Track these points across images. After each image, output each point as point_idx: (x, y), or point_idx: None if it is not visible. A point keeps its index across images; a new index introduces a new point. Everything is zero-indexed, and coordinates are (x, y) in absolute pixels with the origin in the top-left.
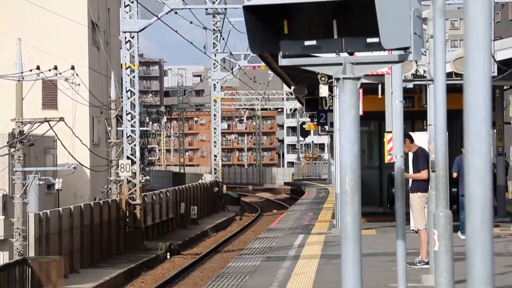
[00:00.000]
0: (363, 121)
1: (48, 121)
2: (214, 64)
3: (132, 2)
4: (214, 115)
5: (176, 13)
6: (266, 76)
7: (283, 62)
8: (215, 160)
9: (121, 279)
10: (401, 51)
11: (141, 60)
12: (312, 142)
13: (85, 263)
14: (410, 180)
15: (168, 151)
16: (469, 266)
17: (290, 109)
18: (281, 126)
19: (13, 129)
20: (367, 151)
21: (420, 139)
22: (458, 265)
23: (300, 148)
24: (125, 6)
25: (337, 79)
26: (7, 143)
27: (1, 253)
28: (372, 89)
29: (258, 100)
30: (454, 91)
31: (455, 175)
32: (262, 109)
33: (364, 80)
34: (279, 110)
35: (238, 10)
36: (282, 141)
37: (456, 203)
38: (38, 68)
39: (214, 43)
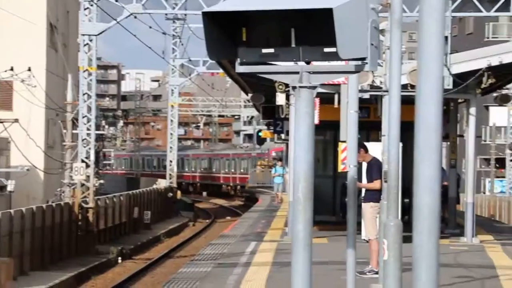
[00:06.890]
0: (319, 130)
1: (2, 122)
2: (172, 69)
3: (92, 5)
4: (171, 120)
5: (135, 17)
6: (224, 83)
7: (240, 69)
8: (170, 165)
9: (71, 282)
10: (358, 62)
11: (99, 64)
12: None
13: (35, 265)
14: (363, 190)
15: None
16: (415, 275)
17: (247, 117)
18: (238, 133)
19: None
20: (321, 160)
21: (375, 149)
22: (407, 275)
23: None
24: (85, 9)
25: (294, 88)
26: None
27: None
28: (329, 99)
29: (216, 106)
30: (410, 103)
31: None
32: (219, 116)
33: (321, 90)
34: (236, 117)
35: (198, 17)
36: None
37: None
38: None
39: (173, 49)
